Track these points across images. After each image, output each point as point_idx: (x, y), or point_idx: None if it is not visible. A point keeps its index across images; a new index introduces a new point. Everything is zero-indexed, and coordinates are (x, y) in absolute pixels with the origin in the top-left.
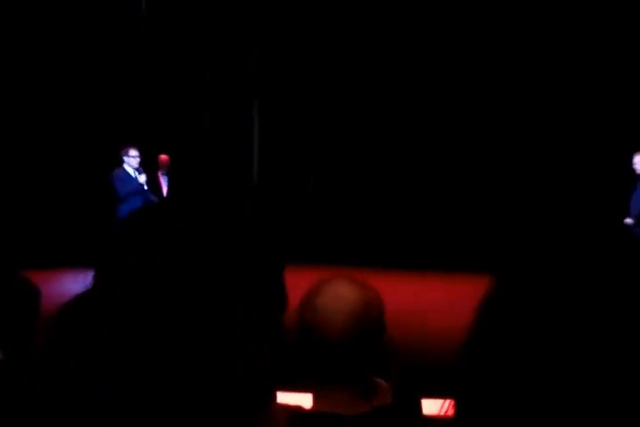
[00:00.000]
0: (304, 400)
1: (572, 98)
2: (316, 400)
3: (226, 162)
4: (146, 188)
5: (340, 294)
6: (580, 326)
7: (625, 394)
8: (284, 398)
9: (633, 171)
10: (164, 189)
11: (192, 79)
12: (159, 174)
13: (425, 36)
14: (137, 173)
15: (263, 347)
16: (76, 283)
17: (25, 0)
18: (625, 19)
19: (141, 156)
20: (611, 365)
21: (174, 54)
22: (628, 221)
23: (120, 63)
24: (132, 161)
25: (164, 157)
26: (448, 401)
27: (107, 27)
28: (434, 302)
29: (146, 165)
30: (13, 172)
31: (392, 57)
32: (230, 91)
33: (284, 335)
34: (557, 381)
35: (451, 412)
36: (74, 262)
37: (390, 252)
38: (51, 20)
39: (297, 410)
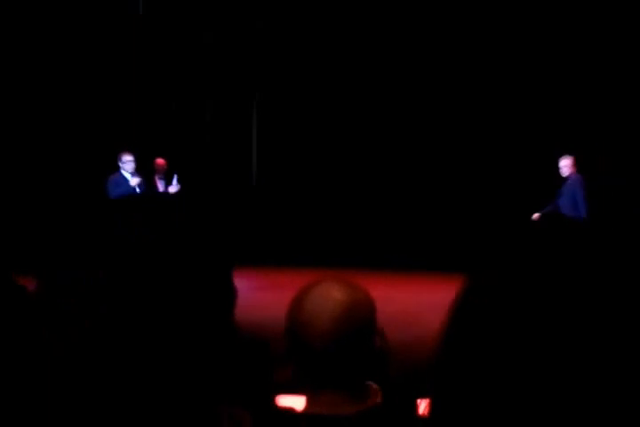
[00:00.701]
0: (297, 403)
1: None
2: (307, 402)
3: (225, 159)
4: (138, 190)
5: (326, 294)
6: (551, 326)
7: (597, 393)
8: (278, 400)
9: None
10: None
11: (193, 72)
12: (156, 178)
13: (408, 40)
14: (132, 178)
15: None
16: None
17: (17, 2)
18: (552, 33)
19: (137, 160)
20: (583, 361)
21: (172, 50)
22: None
23: (117, 67)
24: (126, 166)
25: (160, 160)
26: (425, 401)
27: (103, 31)
28: (430, 302)
29: (143, 169)
30: (9, 176)
31: (377, 64)
32: (231, 86)
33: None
34: (531, 380)
35: (426, 411)
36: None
37: (387, 254)
38: (44, 25)
39: (289, 412)
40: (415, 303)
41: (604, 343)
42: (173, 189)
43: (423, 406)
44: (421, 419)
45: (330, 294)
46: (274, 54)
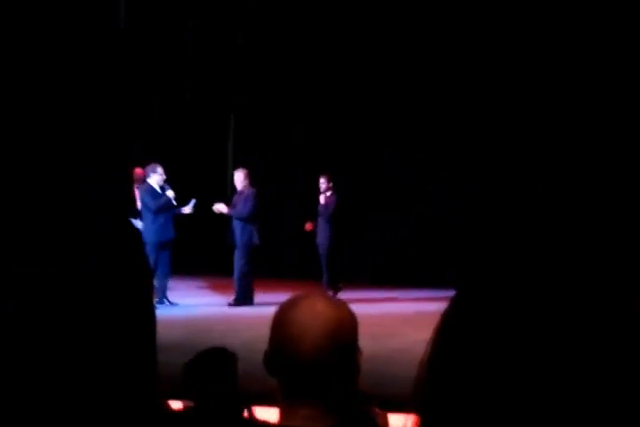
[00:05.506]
0: (272, 415)
1: None
2: (282, 415)
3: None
4: (175, 203)
5: (315, 309)
6: (537, 340)
7: (585, 409)
8: (254, 412)
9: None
10: (139, 202)
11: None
12: (135, 187)
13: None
14: (162, 189)
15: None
16: None
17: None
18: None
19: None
20: (571, 373)
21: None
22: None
23: (98, 77)
24: (158, 178)
25: (138, 170)
26: (411, 417)
27: (83, 44)
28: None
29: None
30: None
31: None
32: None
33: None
34: (520, 394)
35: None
36: None
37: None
38: (30, 31)
39: (264, 425)
40: (390, 316)
41: (591, 353)
42: (188, 210)
43: (409, 422)
44: None
45: (319, 309)
46: (253, 65)
